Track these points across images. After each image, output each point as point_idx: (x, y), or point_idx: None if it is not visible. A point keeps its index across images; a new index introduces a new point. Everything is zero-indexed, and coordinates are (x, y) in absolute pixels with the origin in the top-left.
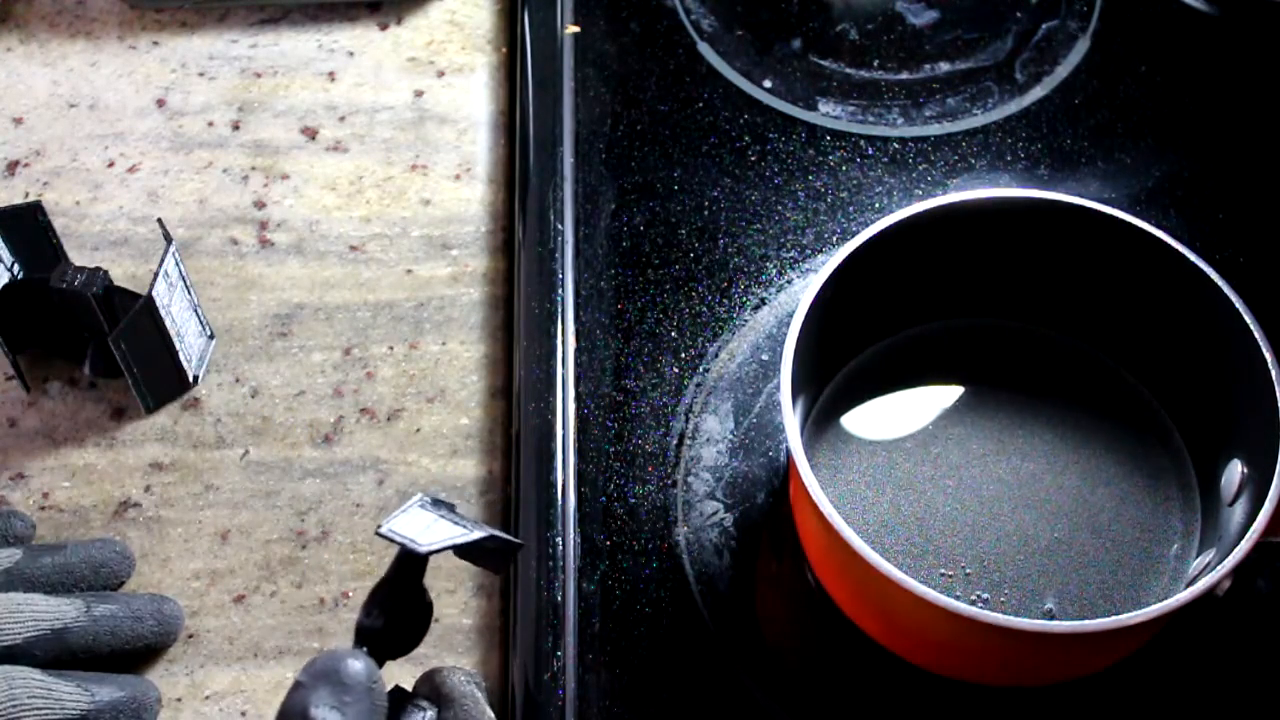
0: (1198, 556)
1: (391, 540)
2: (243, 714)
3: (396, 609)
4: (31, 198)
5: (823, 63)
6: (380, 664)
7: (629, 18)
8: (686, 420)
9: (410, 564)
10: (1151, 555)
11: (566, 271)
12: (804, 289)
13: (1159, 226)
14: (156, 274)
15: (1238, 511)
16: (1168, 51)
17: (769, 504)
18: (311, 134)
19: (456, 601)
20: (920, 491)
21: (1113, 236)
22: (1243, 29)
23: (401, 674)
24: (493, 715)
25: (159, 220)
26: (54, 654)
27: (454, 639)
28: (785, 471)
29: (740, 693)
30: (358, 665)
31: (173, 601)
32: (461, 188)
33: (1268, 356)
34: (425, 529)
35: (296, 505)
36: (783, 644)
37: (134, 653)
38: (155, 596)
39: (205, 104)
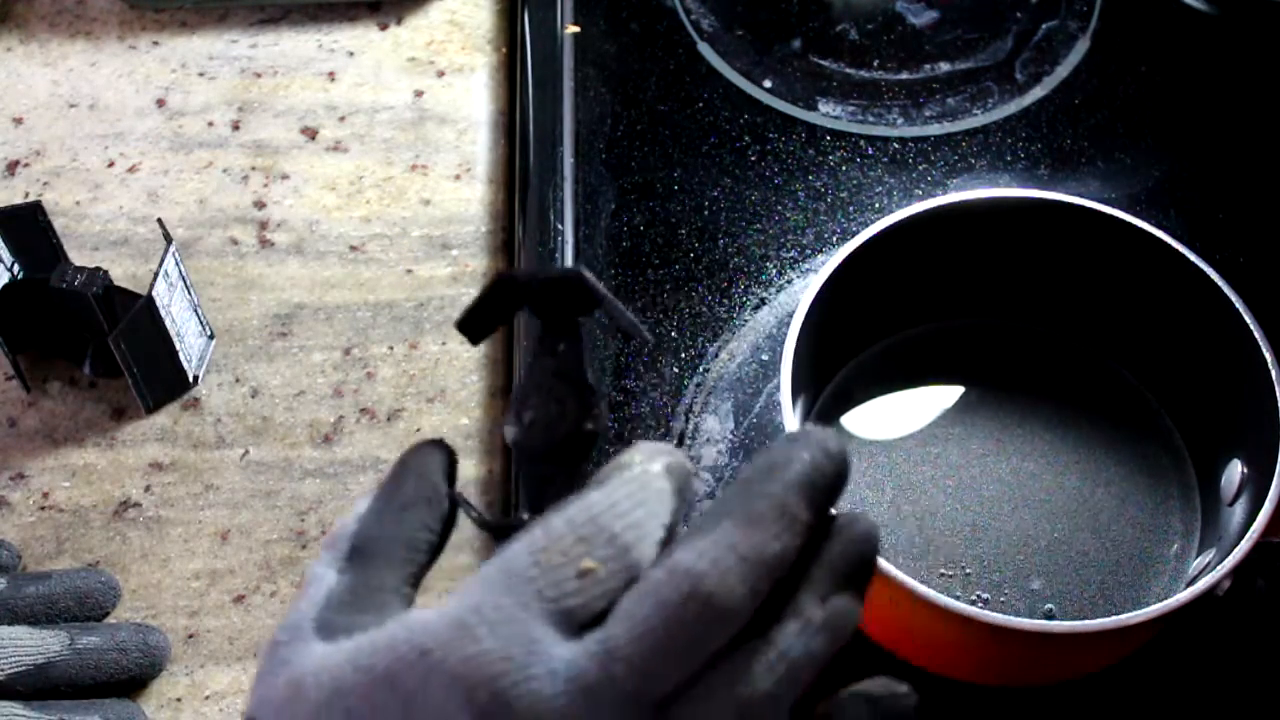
0: (1198, 556)
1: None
2: (243, 714)
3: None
4: (31, 198)
5: (823, 63)
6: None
7: (629, 18)
8: (686, 420)
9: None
10: (1151, 555)
11: None
12: (804, 289)
13: (1159, 226)
14: (156, 274)
15: (1238, 511)
16: (1168, 51)
17: None
18: (311, 134)
19: None
20: (920, 491)
21: (1113, 236)
22: (1243, 29)
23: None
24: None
25: (159, 220)
26: (37, 688)
27: None
28: None
29: None
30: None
31: (158, 632)
32: (461, 188)
33: (1268, 356)
34: None
35: (296, 505)
36: None
37: (118, 684)
38: (140, 626)
39: (205, 104)
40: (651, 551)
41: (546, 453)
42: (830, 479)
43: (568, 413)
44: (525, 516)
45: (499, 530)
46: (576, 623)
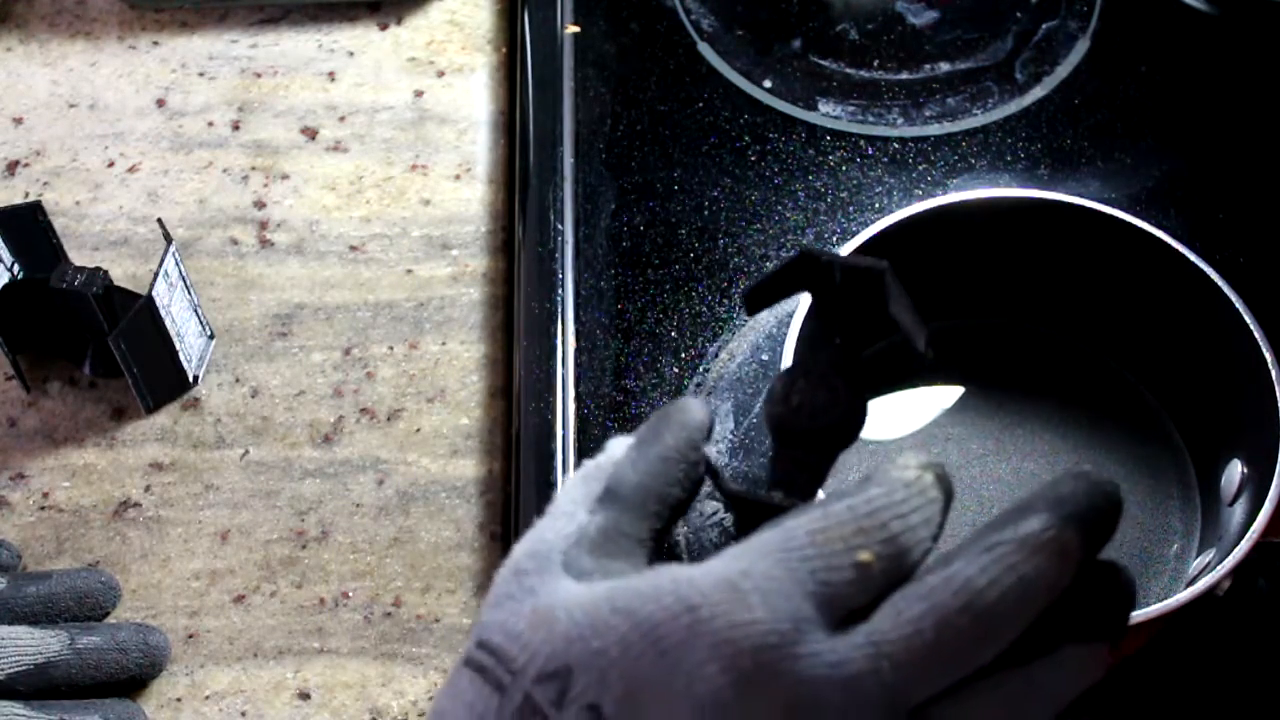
0: (1198, 556)
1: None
2: (243, 714)
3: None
4: (31, 198)
5: (823, 63)
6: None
7: (629, 18)
8: None
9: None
10: (1151, 555)
11: (566, 271)
12: None
13: (1159, 226)
14: (156, 274)
15: (1238, 511)
16: (1168, 51)
17: None
18: (311, 134)
19: (456, 601)
20: None
21: (1113, 236)
22: (1243, 29)
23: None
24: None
25: (159, 220)
26: (37, 687)
27: (454, 639)
28: None
29: None
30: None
31: (158, 631)
32: (461, 188)
33: (1268, 356)
34: None
35: (296, 505)
36: None
37: (118, 684)
38: (141, 626)
39: (205, 104)
40: (920, 559)
41: (807, 438)
42: (1107, 521)
43: (838, 403)
44: (777, 497)
45: (747, 504)
46: (839, 612)
